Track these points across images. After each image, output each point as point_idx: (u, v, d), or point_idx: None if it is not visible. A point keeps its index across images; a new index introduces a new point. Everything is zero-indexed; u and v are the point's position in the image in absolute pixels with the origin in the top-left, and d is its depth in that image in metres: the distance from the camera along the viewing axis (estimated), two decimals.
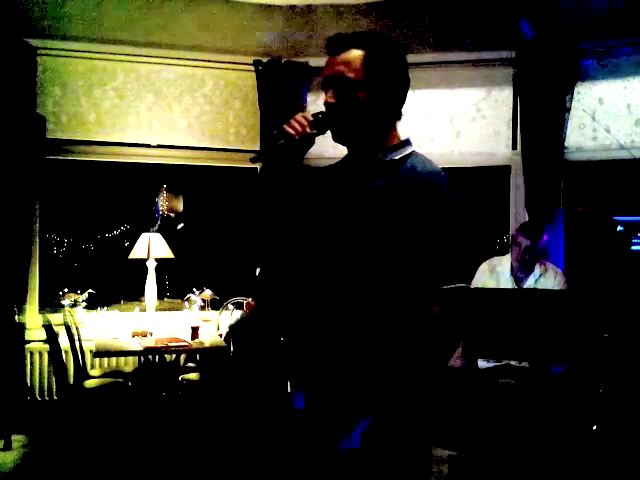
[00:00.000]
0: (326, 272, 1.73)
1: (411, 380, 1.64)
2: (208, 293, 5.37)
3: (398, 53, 1.77)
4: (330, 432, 1.69)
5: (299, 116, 1.72)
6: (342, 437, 1.66)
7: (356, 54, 1.71)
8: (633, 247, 5.62)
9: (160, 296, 5.80)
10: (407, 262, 1.65)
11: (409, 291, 1.65)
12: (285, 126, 1.71)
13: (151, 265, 5.00)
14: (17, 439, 4.48)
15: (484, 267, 4.29)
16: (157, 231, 5.71)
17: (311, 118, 1.72)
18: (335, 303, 1.70)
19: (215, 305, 5.40)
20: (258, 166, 4.47)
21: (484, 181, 6.67)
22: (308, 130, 1.71)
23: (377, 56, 1.72)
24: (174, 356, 4.83)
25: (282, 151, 1.71)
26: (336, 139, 1.77)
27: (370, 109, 1.72)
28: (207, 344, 4.42)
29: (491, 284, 4.18)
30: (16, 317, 4.68)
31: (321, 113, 1.74)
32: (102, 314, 5.20)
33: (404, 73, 1.77)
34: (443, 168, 1.77)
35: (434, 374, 1.67)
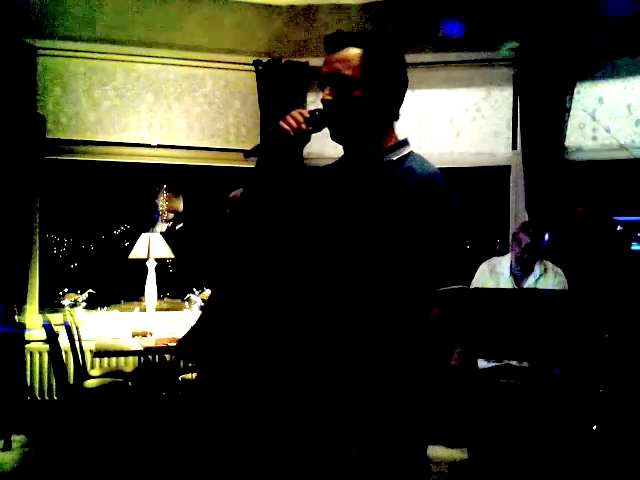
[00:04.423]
0: (323, 273, 1.73)
1: (409, 382, 1.64)
2: (208, 293, 5.37)
3: (397, 52, 1.76)
4: (328, 434, 1.69)
5: (295, 112, 1.72)
6: (338, 440, 1.66)
7: (354, 52, 1.71)
8: (633, 247, 5.63)
9: (160, 296, 5.80)
10: (405, 264, 1.64)
11: (407, 293, 1.65)
12: (281, 122, 1.70)
13: (151, 265, 5.00)
14: (17, 439, 4.48)
15: (484, 267, 4.30)
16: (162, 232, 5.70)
17: (307, 115, 1.71)
18: (332, 304, 1.70)
19: None
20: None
21: (484, 181, 6.67)
22: (304, 127, 1.70)
23: (375, 55, 1.71)
24: (174, 356, 4.82)
25: (277, 147, 1.70)
26: (333, 137, 1.77)
27: (367, 107, 1.71)
28: None
29: (491, 284, 4.18)
30: (16, 317, 4.68)
31: (318, 110, 1.73)
32: (102, 314, 5.20)
33: (402, 72, 1.77)
34: (443, 168, 1.77)
35: (432, 376, 1.67)
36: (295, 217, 1.80)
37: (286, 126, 1.69)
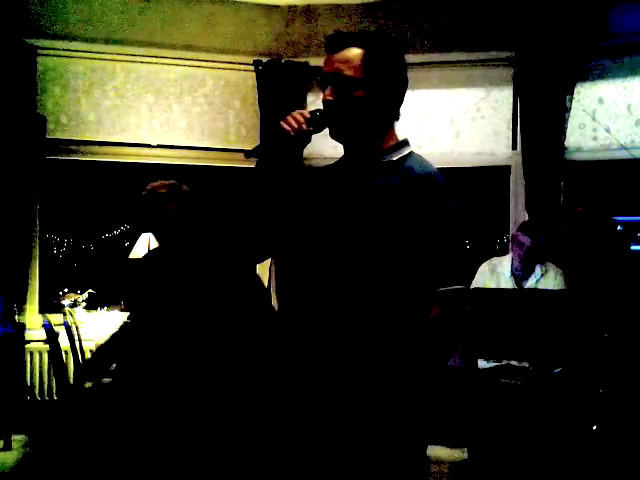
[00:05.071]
0: (322, 272, 1.73)
1: (409, 382, 1.64)
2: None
3: (397, 53, 1.77)
4: (326, 430, 1.69)
5: (296, 113, 1.72)
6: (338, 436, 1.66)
7: (355, 52, 1.71)
8: (633, 247, 5.63)
9: None
10: (404, 264, 1.64)
11: (406, 293, 1.65)
12: (281, 122, 1.71)
13: None
14: (17, 439, 4.48)
15: (484, 267, 4.29)
16: None
17: (308, 115, 1.72)
18: (332, 303, 1.70)
19: None
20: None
21: (484, 181, 6.68)
22: (304, 127, 1.70)
23: (376, 55, 1.72)
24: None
25: (277, 147, 1.70)
26: (333, 136, 1.77)
27: (368, 108, 1.72)
28: None
29: (491, 284, 4.18)
30: (16, 317, 4.68)
31: (319, 111, 1.74)
32: (102, 314, 5.19)
33: (403, 73, 1.77)
34: (443, 168, 1.78)
35: (431, 375, 1.67)
36: (295, 217, 1.80)
37: (287, 126, 1.69)
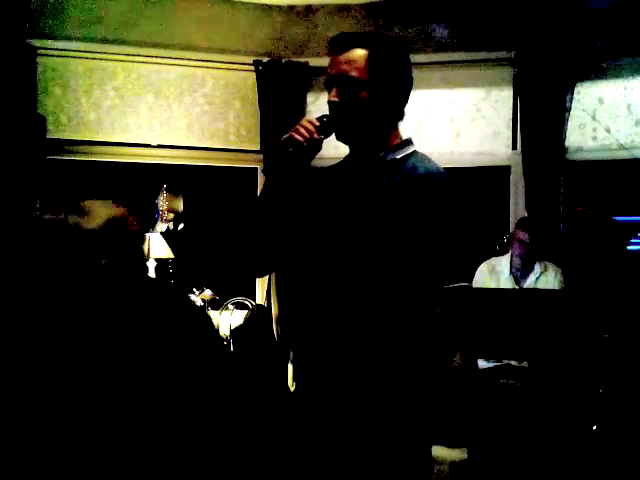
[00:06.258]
0: (329, 271, 1.73)
1: (412, 379, 1.64)
2: (208, 293, 5.36)
3: (402, 53, 1.78)
4: (330, 430, 1.69)
5: (305, 121, 1.72)
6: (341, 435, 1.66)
7: (360, 53, 1.72)
8: (633, 247, 5.63)
9: None
10: (410, 261, 1.65)
11: (412, 290, 1.65)
12: (292, 132, 1.71)
13: (151, 265, 5.00)
14: None
15: (483, 268, 4.30)
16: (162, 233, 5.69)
17: (317, 123, 1.72)
18: (338, 302, 1.70)
19: (215, 305, 5.40)
20: (259, 166, 4.39)
21: (484, 181, 6.67)
22: (315, 136, 1.71)
23: (381, 56, 1.72)
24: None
25: (292, 158, 1.70)
26: (339, 137, 1.78)
27: (373, 108, 1.73)
28: None
29: (491, 284, 4.19)
30: None
31: (325, 116, 1.74)
32: None
33: (407, 73, 1.78)
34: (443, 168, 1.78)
35: (436, 373, 1.67)
36: (303, 218, 1.80)
37: (298, 137, 1.69)
